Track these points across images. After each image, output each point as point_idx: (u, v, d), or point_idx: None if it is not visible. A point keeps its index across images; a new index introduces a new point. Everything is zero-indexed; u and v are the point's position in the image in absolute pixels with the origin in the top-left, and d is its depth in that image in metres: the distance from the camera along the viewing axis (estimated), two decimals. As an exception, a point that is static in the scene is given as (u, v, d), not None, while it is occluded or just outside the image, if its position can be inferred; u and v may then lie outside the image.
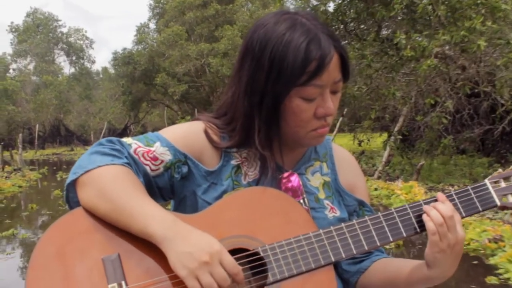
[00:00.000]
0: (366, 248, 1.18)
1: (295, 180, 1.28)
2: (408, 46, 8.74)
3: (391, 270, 1.29)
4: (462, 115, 11.46)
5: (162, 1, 42.27)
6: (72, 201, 1.16)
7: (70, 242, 1.09)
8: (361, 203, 1.37)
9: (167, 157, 1.21)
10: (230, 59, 37.73)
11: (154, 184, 1.21)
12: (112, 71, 49.00)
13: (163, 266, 1.08)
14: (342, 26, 11.13)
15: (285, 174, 1.28)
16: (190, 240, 1.05)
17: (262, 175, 1.25)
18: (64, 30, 57.51)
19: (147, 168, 1.19)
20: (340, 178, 1.37)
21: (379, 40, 10.61)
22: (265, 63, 1.16)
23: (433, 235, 1.14)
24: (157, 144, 1.21)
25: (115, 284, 1.05)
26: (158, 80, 37.38)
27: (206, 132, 1.26)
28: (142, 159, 1.19)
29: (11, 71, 51.19)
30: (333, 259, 1.15)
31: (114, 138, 1.20)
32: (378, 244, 1.18)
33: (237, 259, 1.09)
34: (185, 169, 1.23)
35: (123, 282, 1.05)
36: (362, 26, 11.68)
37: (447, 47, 9.47)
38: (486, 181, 1.24)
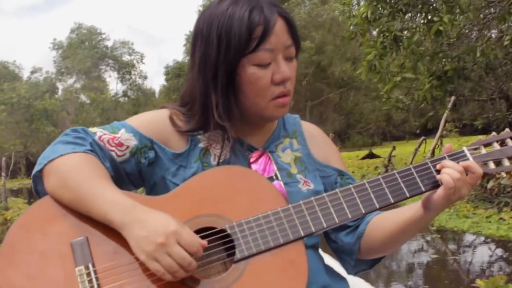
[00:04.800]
0: (336, 220, 1.26)
1: (260, 164, 1.40)
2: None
3: (387, 224, 1.40)
4: None
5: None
6: (42, 193, 1.31)
7: (39, 230, 1.24)
8: (340, 173, 1.49)
9: (133, 142, 1.35)
10: (288, 63, 37.90)
11: (122, 170, 1.36)
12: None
13: (129, 248, 1.20)
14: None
15: (253, 155, 1.41)
16: (146, 224, 1.17)
17: (231, 153, 1.38)
18: (109, 43, 59.24)
19: (113, 154, 1.34)
20: (313, 152, 1.49)
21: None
22: (213, 39, 1.31)
23: (449, 189, 1.25)
24: (122, 130, 1.36)
25: (82, 267, 1.18)
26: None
27: (171, 118, 1.40)
28: (107, 145, 1.34)
29: (58, 90, 53.75)
30: (302, 234, 1.25)
31: (79, 127, 1.36)
32: (350, 216, 1.27)
33: (204, 237, 1.21)
34: (151, 154, 1.37)
35: (90, 265, 1.19)
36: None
37: None
38: (464, 148, 1.33)
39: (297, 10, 38.99)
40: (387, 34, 8.65)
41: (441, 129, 12.37)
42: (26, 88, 47.65)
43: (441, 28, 7.78)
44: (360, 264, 1.50)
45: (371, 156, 27.31)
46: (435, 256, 7.05)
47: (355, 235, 1.45)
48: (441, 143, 12.62)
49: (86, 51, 53.66)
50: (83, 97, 51.37)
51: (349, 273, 1.52)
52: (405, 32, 9.31)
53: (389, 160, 17.23)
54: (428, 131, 14.60)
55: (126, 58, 58.70)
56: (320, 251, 1.49)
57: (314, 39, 39.49)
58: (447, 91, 10.12)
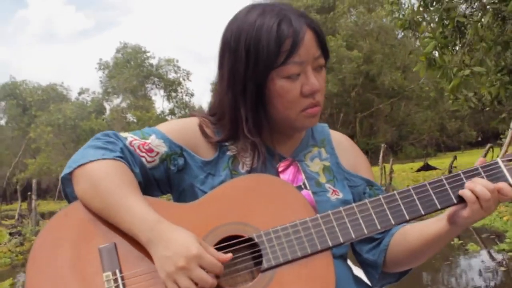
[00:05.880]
0: (365, 231, 1.26)
1: (289, 174, 1.42)
2: None
3: (412, 238, 1.40)
4: None
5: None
6: (70, 196, 1.36)
7: (69, 234, 1.29)
8: (369, 183, 1.49)
9: (163, 149, 1.39)
10: (336, 74, 37.84)
11: (151, 176, 1.39)
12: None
13: None
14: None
15: (282, 164, 1.43)
16: (170, 244, 1.19)
17: (260, 163, 1.39)
18: (154, 61, 60.35)
19: (143, 159, 1.38)
20: (341, 161, 1.50)
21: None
22: (242, 53, 1.33)
23: (474, 203, 1.25)
24: (153, 136, 1.40)
25: (109, 273, 1.22)
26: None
27: (200, 127, 1.43)
28: (137, 151, 1.37)
29: (105, 110, 55.09)
30: (330, 244, 1.25)
31: (110, 132, 1.39)
32: (379, 227, 1.27)
33: (230, 246, 1.23)
34: (181, 161, 1.40)
35: (117, 271, 1.22)
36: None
37: None
38: (498, 159, 1.32)
39: (343, 19, 38.91)
40: (447, 21, 7.57)
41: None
42: (72, 109, 49.07)
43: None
44: (386, 277, 1.49)
45: (426, 168, 26.77)
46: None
47: (378, 250, 1.45)
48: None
49: (131, 70, 54.83)
50: (130, 117, 52.46)
51: (374, 285, 1.51)
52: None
53: (450, 171, 16.80)
54: (486, 140, 14.14)
55: (172, 76, 59.66)
56: (349, 262, 1.49)
57: (362, 48, 39.30)
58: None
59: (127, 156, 1.35)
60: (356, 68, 38.26)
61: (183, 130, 1.44)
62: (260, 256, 1.25)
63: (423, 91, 41.13)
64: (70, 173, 1.33)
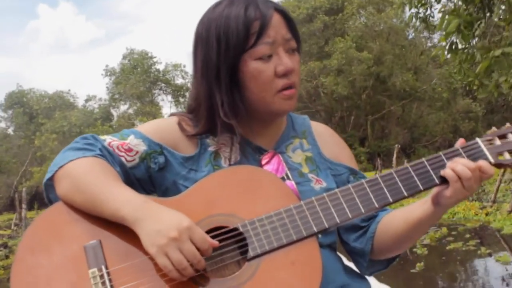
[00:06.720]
0: (350, 215, 1.28)
1: (274, 163, 1.45)
2: None
3: (399, 222, 1.43)
4: None
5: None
6: (54, 201, 1.39)
7: (53, 234, 1.31)
8: (352, 171, 1.52)
9: (142, 147, 1.42)
10: (345, 76, 37.80)
11: (132, 175, 1.42)
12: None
13: (142, 248, 1.26)
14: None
15: (265, 156, 1.45)
16: (160, 218, 1.22)
17: (242, 156, 1.43)
18: (161, 67, 60.58)
19: (123, 159, 1.41)
20: (323, 151, 1.53)
21: None
22: (212, 41, 1.38)
23: (456, 182, 1.28)
24: (131, 136, 1.43)
25: (95, 269, 1.25)
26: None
27: (179, 124, 1.47)
28: (116, 150, 1.41)
29: (113, 117, 55.33)
30: (315, 229, 1.27)
31: (88, 135, 1.43)
32: (363, 211, 1.29)
33: (216, 236, 1.25)
34: (161, 159, 1.43)
35: (103, 267, 1.25)
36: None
37: None
38: (478, 139, 1.35)
39: (352, 20, 38.91)
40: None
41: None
42: (78, 116, 49.29)
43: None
44: (374, 264, 1.52)
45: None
46: None
47: (365, 238, 1.48)
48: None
49: (138, 76, 55.05)
50: (137, 123, 52.57)
51: (363, 274, 1.53)
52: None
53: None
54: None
55: (179, 81, 59.84)
56: (340, 254, 1.51)
57: (372, 49, 39.25)
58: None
59: (106, 155, 1.39)
60: (367, 70, 38.22)
61: (162, 128, 1.47)
62: (247, 245, 1.27)
63: (435, 92, 41.02)
64: (52, 178, 1.36)
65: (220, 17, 1.38)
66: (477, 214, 11.75)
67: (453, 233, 10.17)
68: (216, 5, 1.43)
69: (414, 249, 8.71)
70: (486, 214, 11.45)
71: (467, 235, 9.71)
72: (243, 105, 1.40)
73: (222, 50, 1.36)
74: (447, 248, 8.86)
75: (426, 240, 9.47)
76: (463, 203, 12.13)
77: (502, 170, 11.99)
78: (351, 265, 1.54)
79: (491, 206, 11.89)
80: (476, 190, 1.28)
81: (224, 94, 1.39)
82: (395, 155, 18.68)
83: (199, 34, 1.43)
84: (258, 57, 1.36)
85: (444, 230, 10.34)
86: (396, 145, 20.57)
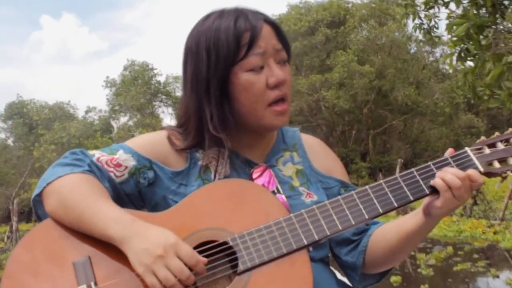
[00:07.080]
0: (340, 227, 1.29)
1: (265, 176, 1.45)
2: None
3: (391, 235, 1.44)
4: None
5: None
6: (43, 217, 1.40)
7: (42, 251, 1.32)
8: (343, 184, 1.53)
9: (131, 163, 1.43)
10: (347, 90, 37.82)
11: (121, 191, 1.43)
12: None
13: (131, 266, 1.26)
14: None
15: (256, 170, 1.46)
16: (147, 237, 1.23)
17: (232, 170, 1.43)
18: (162, 78, 60.61)
19: (112, 174, 1.42)
20: (314, 164, 1.54)
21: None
22: (202, 54, 1.39)
23: (446, 191, 1.28)
24: (120, 151, 1.44)
25: (84, 286, 1.26)
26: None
27: (169, 138, 1.47)
28: (105, 166, 1.42)
29: (113, 128, 55.29)
30: (305, 242, 1.28)
31: (77, 150, 1.44)
32: (353, 222, 1.30)
33: (205, 251, 1.26)
34: (151, 174, 1.44)
35: (92, 283, 1.26)
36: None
37: None
38: (467, 148, 1.36)
39: (354, 34, 39.00)
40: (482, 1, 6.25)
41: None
42: (77, 127, 49.24)
43: None
44: (367, 278, 1.53)
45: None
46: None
47: (357, 251, 1.48)
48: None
49: (138, 87, 55.05)
50: (137, 135, 52.42)
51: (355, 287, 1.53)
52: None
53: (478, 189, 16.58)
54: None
55: (180, 93, 59.49)
56: (333, 269, 1.51)
57: (374, 63, 39.29)
58: None
59: (95, 171, 1.39)
60: (368, 84, 38.20)
61: (151, 143, 1.48)
62: (237, 259, 1.27)
63: (437, 107, 40.98)
64: (40, 194, 1.37)
65: (210, 30, 1.38)
66: (484, 233, 11.66)
67: (460, 252, 10.00)
68: (205, 18, 1.44)
69: (419, 270, 8.58)
70: (494, 233, 11.40)
71: (475, 255, 9.55)
72: (233, 118, 1.41)
73: (212, 63, 1.37)
74: (454, 269, 8.67)
75: (431, 260, 9.32)
76: (469, 221, 12.03)
77: (510, 188, 11.95)
78: (345, 280, 1.54)
79: (499, 224, 11.82)
80: (467, 200, 1.27)
81: (214, 107, 1.39)
82: (397, 170, 18.65)
83: (188, 47, 1.44)
84: (249, 69, 1.37)
85: (450, 249, 10.17)
86: (399, 160, 20.53)
